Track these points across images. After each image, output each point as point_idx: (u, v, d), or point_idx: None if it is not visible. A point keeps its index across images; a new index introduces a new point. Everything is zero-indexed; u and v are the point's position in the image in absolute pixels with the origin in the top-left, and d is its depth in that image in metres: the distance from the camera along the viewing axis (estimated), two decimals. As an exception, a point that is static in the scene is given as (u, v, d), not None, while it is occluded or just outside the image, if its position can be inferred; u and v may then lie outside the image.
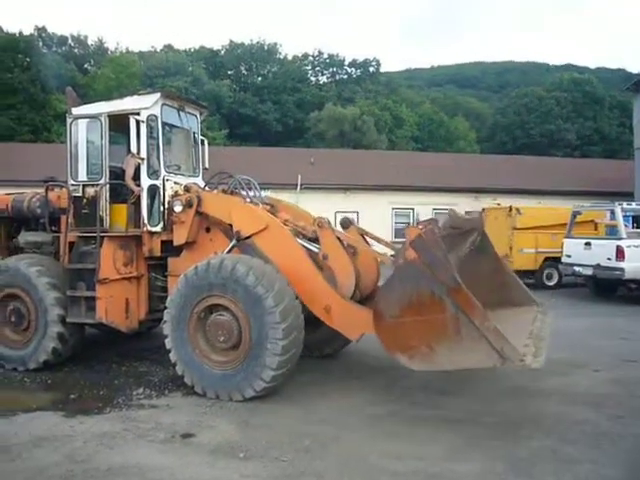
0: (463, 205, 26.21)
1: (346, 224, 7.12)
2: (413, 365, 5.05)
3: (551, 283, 16.46)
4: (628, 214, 15.69)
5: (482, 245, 7.09)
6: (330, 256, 6.52)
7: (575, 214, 14.89)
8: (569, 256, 14.54)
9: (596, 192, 25.17)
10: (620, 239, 13.14)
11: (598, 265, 13.39)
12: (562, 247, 14.83)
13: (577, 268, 14.19)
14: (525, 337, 5.49)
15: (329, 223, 6.65)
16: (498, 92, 78.17)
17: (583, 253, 13.93)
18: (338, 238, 6.63)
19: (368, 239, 7.30)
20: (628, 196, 21.79)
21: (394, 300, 5.03)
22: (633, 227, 17.12)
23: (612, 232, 14.88)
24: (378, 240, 7.42)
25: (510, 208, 16.67)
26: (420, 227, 5.27)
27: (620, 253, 12.84)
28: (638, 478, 4.28)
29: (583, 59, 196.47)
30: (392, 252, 7.71)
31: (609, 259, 13.06)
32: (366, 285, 6.78)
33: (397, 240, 21.29)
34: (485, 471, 4.32)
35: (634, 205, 15.44)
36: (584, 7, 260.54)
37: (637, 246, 12.92)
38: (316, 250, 6.73)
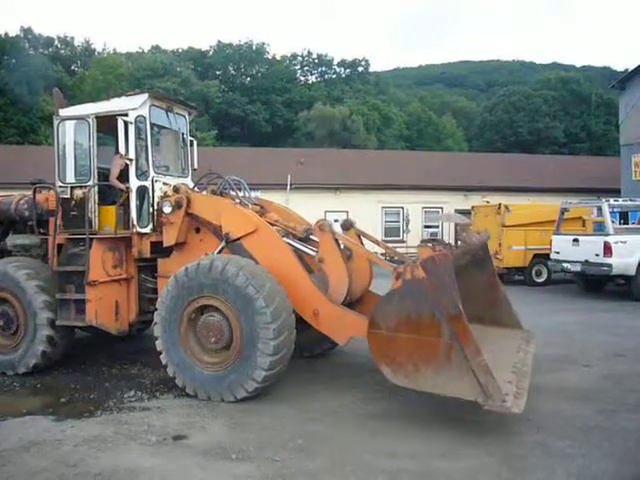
0: (452, 203, 26.39)
1: (347, 226, 7.08)
2: (395, 380, 5.07)
3: (540, 280, 16.59)
4: (615, 210, 15.83)
5: (482, 260, 7.09)
6: (326, 261, 6.49)
7: (563, 211, 14.99)
8: (558, 253, 14.64)
9: (584, 189, 25.36)
10: (607, 235, 13.25)
11: (586, 261, 13.49)
12: (551, 244, 14.95)
13: (566, 264, 14.29)
14: (509, 370, 5.45)
15: (330, 226, 6.55)
16: (485, 91, 78.61)
17: (571, 249, 14.04)
18: (336, 240, 6.58)
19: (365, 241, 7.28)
20: (615, 192, 22.00)
21: (392, 313, 5.01)
22: (620, 223, 17.29)
23: (600, 228, 15.01)
24: (377, 243, 7.40)
25: (499, 206, 16.78)
26: (433, 247, 5.23)
27: (608, 249, 12.95)
28: (629, 472, 4.31)
29: (569, 57, 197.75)
30: (384, 252, 7.72)
31: (597, 255, 13.16)
32: (357, 289, 6.77)
33: (387, 239, 21.37)
34: (478, 468, 4.33)
35: (621, 201, 15.58)
36: (569, 6, 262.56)
37: (624, 242, 13.02)
38: (312, 253, 6.73)
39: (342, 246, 6.66)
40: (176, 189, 7.08)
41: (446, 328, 4.77)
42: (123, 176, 7.09)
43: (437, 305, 4.80)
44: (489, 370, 4.67)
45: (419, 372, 4.93)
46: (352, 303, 6.71)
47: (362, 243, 7.17)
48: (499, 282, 7.28)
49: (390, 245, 8.31)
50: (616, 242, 12.98)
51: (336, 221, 7.38)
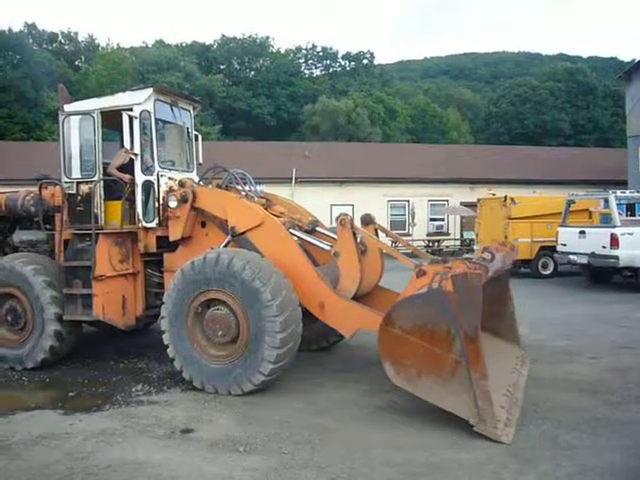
0: (458, 196, 26.33)
1: (366, 221, 7.02)
2: (394, 379, 5.06)
3: (547, 272, 16.53)
4: (622, 202, 15.74)
5: (502, 273, 6.96)
6: (341, 256, 6.46)
7: (569, 203, 14.91)
8: (564, 245, 14.59)
9: (590, 181, 25.25)
10: (614, 227, 13.17)
11: (593, 253, 13.42)
12: (557, 236, 14.89)
13: (572, 257, 14.23)
14: (502, 393, 5.38)
15: (351, 222, 6.50)
16: (491, 83, 78.10)
17: (578, 242, 13.97)
18: (355, 237, 6.50)
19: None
20: (622, 184, 21.90)
21: (411, 316, 4.95)
22: (627, 215, 17.20)
23: (606, 220, 14.95)
24: (397, 239, 7.30)
25: (505, 198, 16.70)
26: (469, 263, 5.13)
27: (614, 241, 12.88)
28: (636, 464, 4.31)
29: (575, 48, 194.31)
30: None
31: (604, 247, 13.10)
32: (367, 284, 6.72)
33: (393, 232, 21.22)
34: (486, 459, 4.34)
35: (628, 193, 15.48)
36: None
37: (631, 234, 12.95)
38: (322, 245, 6.72)
39: (359, 240, 6.63)
40: (181, 183, 7.08)
41: (458, 345, 4.74)
42: (126, 171, 7.09)
43: (456, 322, 4.73)
44: (489, 397, 4.68)
45: (420, 378, 4.93)
46: (360, 297, 6.69)
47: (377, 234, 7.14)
48: (511, 297, 7.16)
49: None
50: (623, 234, 12.90)
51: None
